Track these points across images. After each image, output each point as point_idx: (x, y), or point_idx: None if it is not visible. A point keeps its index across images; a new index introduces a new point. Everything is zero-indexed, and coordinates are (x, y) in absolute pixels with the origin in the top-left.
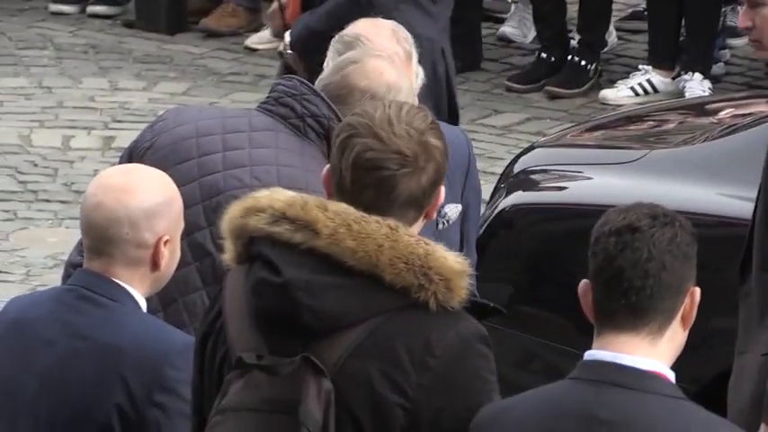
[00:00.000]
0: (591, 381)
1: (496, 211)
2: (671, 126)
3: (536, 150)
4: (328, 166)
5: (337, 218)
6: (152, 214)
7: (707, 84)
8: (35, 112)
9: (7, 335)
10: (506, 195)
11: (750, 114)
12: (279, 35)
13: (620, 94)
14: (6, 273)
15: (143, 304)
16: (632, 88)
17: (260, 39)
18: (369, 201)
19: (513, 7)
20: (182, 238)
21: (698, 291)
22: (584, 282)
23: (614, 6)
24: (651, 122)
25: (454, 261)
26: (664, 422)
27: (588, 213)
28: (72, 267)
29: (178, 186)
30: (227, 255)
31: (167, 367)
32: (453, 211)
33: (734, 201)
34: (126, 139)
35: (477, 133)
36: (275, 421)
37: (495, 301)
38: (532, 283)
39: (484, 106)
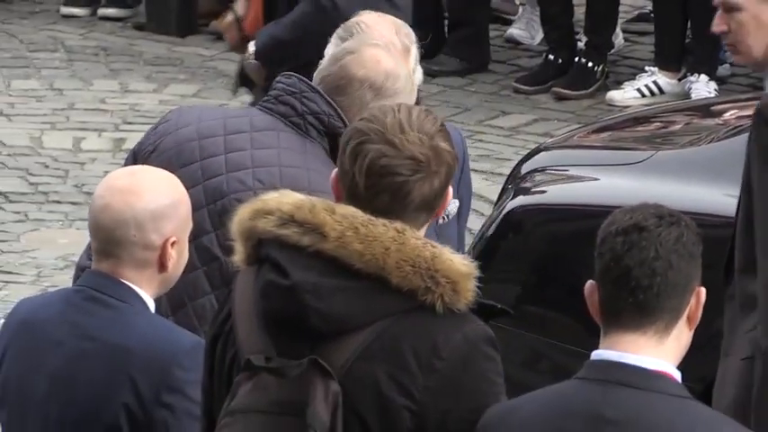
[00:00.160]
0: (598, 380)
1: (504, 212)
2: (677, 127)
3: (543, 151)
4: (336, 170)
5: (345, 221)
6: (158, 216)
7: (713, 85)
8: (46, 114)
9: (17, 336)
10: (514, 196)
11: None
12: (236, 48)
13: (626, 95)
14: (17, 274)
15: (151, 305)
16: (639, 90)
17: None
18: (383, 206)
19: (520, 9)
20: (189, 242)
21: (703, 290)
22: (589, 283)
23: (621, 8)
24: (657, 124)
25: (461, 263)
26: (670, 421)
27: (595, 214)
28: (81, 271)
29: None
30: (237, 256)
31: (175, 368)
32: (453, 206)
33: None
34: (136, 140)
35: (484, 134)
36: (283, 423)
37: (502, 301)
38: (539, 283)
39: (491, 107)
